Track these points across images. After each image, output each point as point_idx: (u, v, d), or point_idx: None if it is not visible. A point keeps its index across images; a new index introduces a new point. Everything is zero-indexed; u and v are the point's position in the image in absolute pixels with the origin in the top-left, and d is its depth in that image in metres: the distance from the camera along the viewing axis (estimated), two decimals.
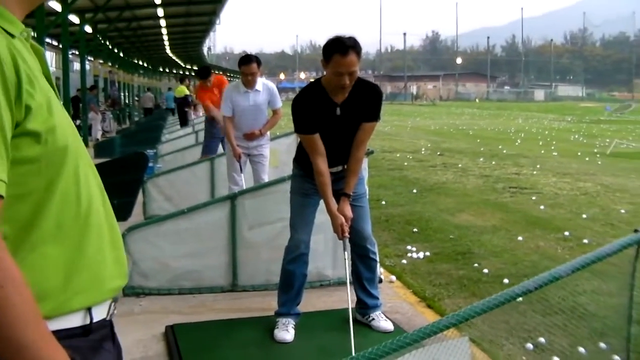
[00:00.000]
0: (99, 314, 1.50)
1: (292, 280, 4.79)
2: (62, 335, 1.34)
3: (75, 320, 1.44)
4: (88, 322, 1.46)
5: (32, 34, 1.53)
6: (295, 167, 4.90)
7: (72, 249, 1.43)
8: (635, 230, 2.66)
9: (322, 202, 4.67)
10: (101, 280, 1.50)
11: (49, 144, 1.37)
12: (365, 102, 4.52)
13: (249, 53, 7.85)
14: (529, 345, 4.30)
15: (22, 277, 1.26)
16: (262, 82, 7.47)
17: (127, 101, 40.48)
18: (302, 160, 4.71)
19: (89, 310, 1.46)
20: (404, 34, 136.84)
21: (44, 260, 1.38)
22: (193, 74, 65.45)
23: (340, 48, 4.25)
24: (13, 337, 1.23)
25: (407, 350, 1.88)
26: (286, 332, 4.67)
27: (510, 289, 1.96)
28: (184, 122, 21.90)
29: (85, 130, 22.13)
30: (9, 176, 1.28)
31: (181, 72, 61.84)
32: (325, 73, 4.51)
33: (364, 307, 4.93)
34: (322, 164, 4.47)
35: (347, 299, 4.40)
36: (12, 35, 1.38)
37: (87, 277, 1.46)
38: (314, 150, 4.49)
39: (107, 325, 1.53)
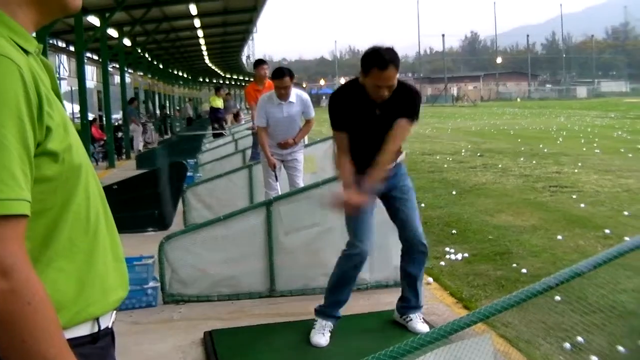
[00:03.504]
0: (105, 322, 1.56)
1: (349, 283, 4.74)
2: (73, 344, 1.39)
3: (84, 329, 1.50)
4: (96, 330, 1.53)
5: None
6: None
7: (83, 262, 1.49)
8: None
9: (378, 202, 4.67)
10: (107, 292, 1.56)
11: (66, 162, 1.42)
12: (405, 103, 4.46)
13: (280, 66, 7.90)
14: (567, 345, 4.25)
15: (47, 293, 1.31)
16: (295, 94, 7.55)
17: (167, 112, 40.87)
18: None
19: (96, 319, 1.53)
20: (443, 35, 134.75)
21: (59, 274, 1.44)
22: (232, 83, 66.00)
23: (379, 62, 4.18)
24: (39, 352, 1.27)
25: (430, 349, 1.90)
26: (321, 335, 4.66)
27: (531, 286, 1.96)
28: (216, 134, 21.63)
29: (127, 142, 22.46)
30: None
31: (220, 82, 62.13)
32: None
33: (406, 305, 4.88)
34: (345, 161, 4.47)
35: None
36: (27, 53, 1.41)
37: (96, 289, 1.52)
38: (344, 148, 4.49)
39: (109, 333, 1.60)
